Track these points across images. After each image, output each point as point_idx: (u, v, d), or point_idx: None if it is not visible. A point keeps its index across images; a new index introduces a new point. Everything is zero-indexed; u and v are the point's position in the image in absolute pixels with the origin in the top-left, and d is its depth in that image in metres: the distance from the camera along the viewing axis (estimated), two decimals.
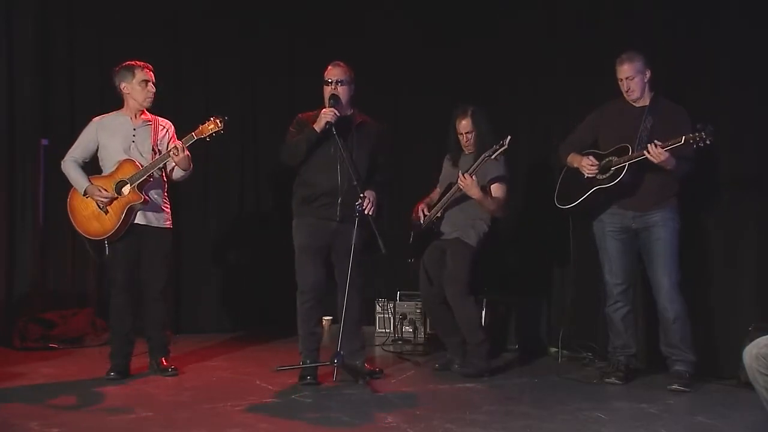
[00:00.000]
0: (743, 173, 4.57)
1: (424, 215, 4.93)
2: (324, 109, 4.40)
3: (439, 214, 4.84)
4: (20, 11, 5.72)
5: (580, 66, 5.51)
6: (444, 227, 4.84)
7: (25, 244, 5.75)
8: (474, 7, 6.32)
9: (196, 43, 6.48)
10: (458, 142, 4.88)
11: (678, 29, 4.91)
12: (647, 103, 4.48)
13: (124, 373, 4.53)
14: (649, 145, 4.20)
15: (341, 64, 4.52)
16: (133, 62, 4.57)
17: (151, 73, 4.58)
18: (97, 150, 4.57)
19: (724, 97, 4.67)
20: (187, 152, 4.44)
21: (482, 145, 4.69)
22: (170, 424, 3.57)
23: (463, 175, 4.61)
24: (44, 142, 5.75)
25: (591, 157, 4.49)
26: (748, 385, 3.14)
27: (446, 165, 5.02)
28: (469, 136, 4.79)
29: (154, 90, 4.57)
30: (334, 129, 4.33)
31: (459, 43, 6.46)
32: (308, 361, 4.44)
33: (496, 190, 4.76)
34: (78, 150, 4.58)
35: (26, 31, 5.74)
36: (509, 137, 4.47)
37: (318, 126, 4.37)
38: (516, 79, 6.10)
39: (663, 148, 4.16)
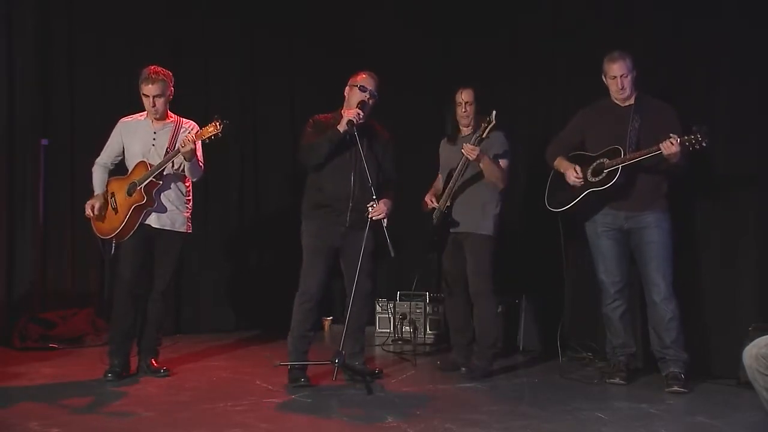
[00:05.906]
0: (743, 173, 4.58)
1: (434, 206, 4.84)
2: (348, 110, 4.40)
3: (448, 203, 4.75)
4: (20, 12, 5.71)
5: (580, 66, 5.51)
6: (456, 216, 4.75)
7: (25, 244, 5.74)
8: (474, 6, 6.32)
9: (196, 43, 6.48)
10: (456, 120, 4.80)
11: (677, 29, 4.92)
12: (632, 103, 4.49)
13: (122, 373, 4.52)
14: (665, 141, 4.12)
15: (376, 77, 4.51)
16: (144, 71, 4.50)
17: (157, 84, 4.46)
18: (123, 151, 4.63)
19: (724, 96, 4.68)
20: (194, 145, 4.36)
21: (480, 121, 4.59)
22: (170, 424, 3.57)
23: (468, 146, 4.50)
24: (44, 142, 5.74)
25: (577, 168, 4.49)
26: (748, 385, 3.14)
27: (444, 148, 4.95)
28: (470, 107, 4.72)
29: (154, 105, 4.50)
30: (355, 129, 4.31)
31: (459, 43, 6.46)
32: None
33: (501, 164, 4.69)
34: (105, 153, 4.67)
35: (26, 31, 5.73)
36: (494, 112, 4.41)
37: (341, 126, 4.35)
38: (516, 79, 6.10)
39: (645, 155, 4.19)
